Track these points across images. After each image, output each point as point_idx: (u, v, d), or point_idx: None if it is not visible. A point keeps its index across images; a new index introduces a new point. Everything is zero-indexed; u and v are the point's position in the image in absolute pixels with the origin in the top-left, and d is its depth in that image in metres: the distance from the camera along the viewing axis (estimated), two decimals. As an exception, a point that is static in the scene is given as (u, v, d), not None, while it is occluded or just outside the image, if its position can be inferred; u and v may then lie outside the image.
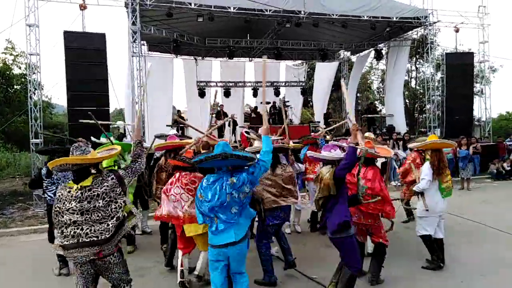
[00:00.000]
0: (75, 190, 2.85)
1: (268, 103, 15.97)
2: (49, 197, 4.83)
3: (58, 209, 2.86)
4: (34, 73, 10.16)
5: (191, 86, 16.29)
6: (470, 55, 15.16)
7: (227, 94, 16.67)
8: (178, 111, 15.57)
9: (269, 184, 4.21)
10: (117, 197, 2.96)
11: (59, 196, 2.90)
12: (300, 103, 18.99)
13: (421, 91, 23.27)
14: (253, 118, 14.58)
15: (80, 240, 2.80)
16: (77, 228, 2.81)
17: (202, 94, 16.08)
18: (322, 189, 3.50)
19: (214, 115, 15.53)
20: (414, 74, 26.59)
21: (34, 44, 10.04)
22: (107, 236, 2.86)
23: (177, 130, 12.18)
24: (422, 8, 14.04)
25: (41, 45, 10.13)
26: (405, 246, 5.49)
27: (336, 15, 12.67)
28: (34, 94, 10.25)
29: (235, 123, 14.83)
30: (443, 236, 4.72)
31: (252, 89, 17.66)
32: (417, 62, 25.26)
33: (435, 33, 18.64)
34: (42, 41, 10.23)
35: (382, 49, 16.89)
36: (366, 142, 3.83)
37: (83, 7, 10.53)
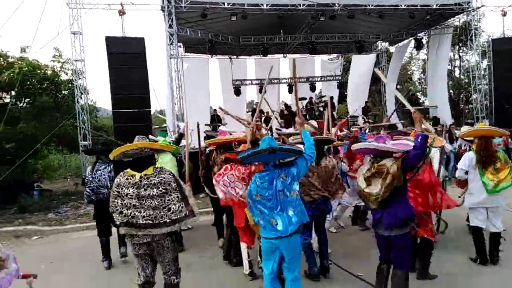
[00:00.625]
0: (139, 177, 3.13)
1: (304, 98, 15.82)
2: (87, 193, 5.14)
3: (116, 193, 3.17)
4: (79, 78, 10.72)
5: (227, 84, 16.50)
6: (519, 39, 14.16)
7: (262, 91, 16.69)
8: (215, 110, 15.81)
9: (311, 176, 4.16)
10: (172, 191, 3.18)
11: (117, 182, 3.20)
12: (336, 98, 18.64)
13: (466, 80, 22.12)
14: (286, 116, 14.43)
15: (137, 222, 3.09)
16: (136, 211, 3.10)
17: (237, 92, 16.24)
18: (389, 184, 3.16)
19: (250, 113, 15.69)
20: (457, 63, 25.29)
21: (78, 50, 10.59)
22: (160, 222, 3.09)
23: (214, 129, 12.41)
24: (464, -7, 13.30)
25: (84, 51, 10.70)
26: (461, 240, 5.29)
27: (372, 5, 12.28)
28: (81, 98, 10.82)
29: (270, 120, 14.86)
30: (498, 230, 4.45)
31: (288, 85, 17.58)
32: (461, 50, 23.98)
33: (479, 18, 17.60)
34: (86, 47, 10.78)
35: (422, 38, 16.16)
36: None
37: (122, 12, 10.94)
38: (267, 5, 11.70)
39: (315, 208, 4.19)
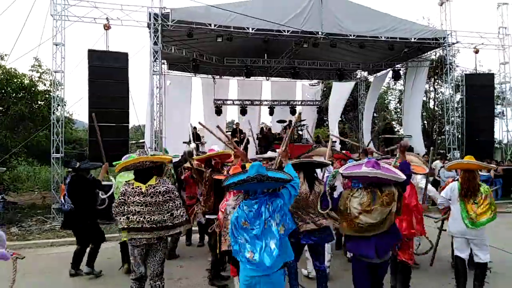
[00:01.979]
0: (145, 188, 3.53)
1: (283, 121, 15.99)
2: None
3: (123, 200, 3.55)
4: (57, 89, 10.49)
5: (208, 104, 16.52)
6: (490, 76, 14.95)
7: (243, 112, 16.81)
8: (194, 127, 15.72)
9: (304, 202, 3.90)
10: (174, 198, 3.65)
11: (123, 191, 3.58)
12: (314, 122, 18.99)
13: (440, 112, 22.99)
14: (259, 139, 14.41)
15: (143, 226, 3.52)
16: (141, 217, 3.51)
17: (218, 112, 16.26)
18: (392, 211, 3.11)
19: (229, 133, 15.67)
20: (432, 95, 26.31)
21: (59, 62, 10.41)
22: (164, 225, 3.56)
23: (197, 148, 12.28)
24: (440, 29, 14.02)
25: (65, 63, 10.53)
26: (439, 266, 5.36)
27: (354, 36, 12.74)
28: (57, 110, 10.55)
29: (247, 141, 14.88)
30: (484, 261, 4.29)
31: (269, 107, 17.79)
32: (436, 83, 25.02)
33: (454, 54, 18.52)
34: (66, 59, 10.61)
35: (400, 69, 16.82)
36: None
37: (107, 27, 10.89)
38: (252, 29, 11.94)
39: (309, 236, 3.88)
